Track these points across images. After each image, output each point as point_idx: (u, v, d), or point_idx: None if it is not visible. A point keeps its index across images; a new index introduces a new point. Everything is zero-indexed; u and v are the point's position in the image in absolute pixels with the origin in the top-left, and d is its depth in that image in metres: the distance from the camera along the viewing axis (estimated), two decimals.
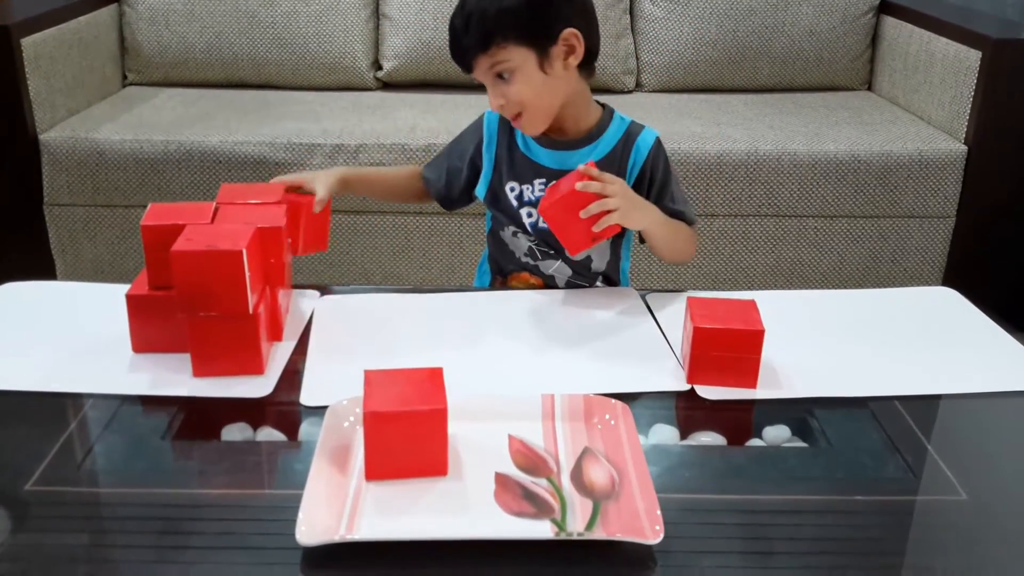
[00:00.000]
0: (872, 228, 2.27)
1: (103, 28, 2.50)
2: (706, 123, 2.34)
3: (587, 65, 1.25)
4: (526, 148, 1.31)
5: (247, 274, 0.98)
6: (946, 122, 2.31)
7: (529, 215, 1.31)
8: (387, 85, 2.65)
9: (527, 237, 1.33)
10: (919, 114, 2.44)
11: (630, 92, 2.67)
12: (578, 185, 1.12)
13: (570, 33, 1.20)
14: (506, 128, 1.33)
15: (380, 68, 2.64)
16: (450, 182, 1.39)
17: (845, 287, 2.24)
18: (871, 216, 2.26)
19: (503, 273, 1.39)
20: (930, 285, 2.23)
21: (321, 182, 1.29)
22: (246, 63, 2.59)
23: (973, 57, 2.20)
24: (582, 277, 1.34)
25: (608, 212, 1.13)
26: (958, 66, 2.26)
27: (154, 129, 2.22)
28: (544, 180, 1.29)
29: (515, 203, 1.31)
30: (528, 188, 1.30)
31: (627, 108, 2.43)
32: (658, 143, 1.30)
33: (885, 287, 1.32)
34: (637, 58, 2.67)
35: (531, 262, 1.35)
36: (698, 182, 2.20)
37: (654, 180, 1.29)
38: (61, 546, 0.80)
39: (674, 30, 2.63)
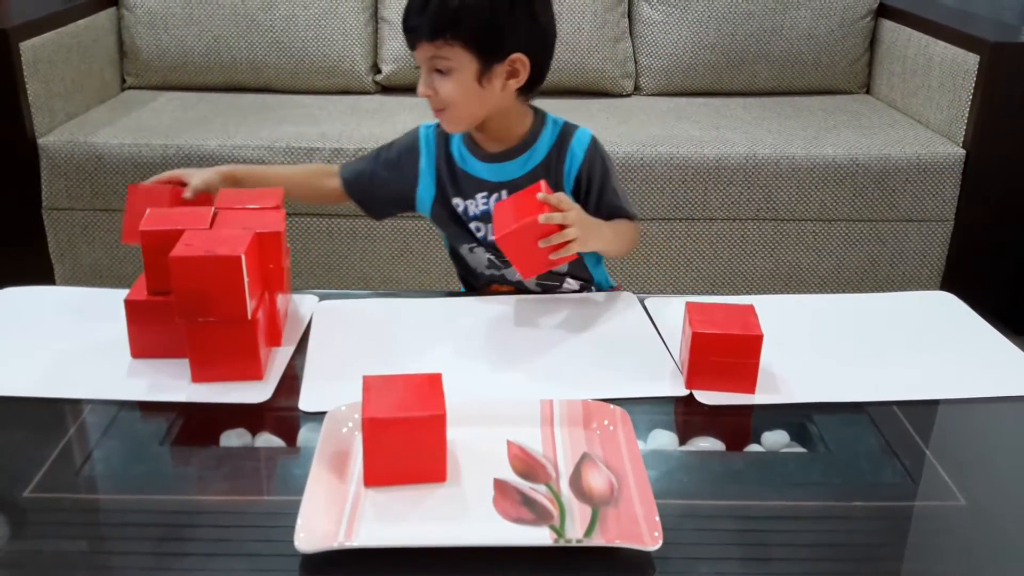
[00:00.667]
0: (870, 232, 2.27)
1: (102, 32, 2.50)
2: (704, 127, 2.35)
3: (527, 89, 1.24)
4: (463, 163, 1.30)
5: (246, 279, 0.98)
6: (944, 126, 2.31)
7: (478, 229, 1.31)
8: (386, 89, 2.66)
9: (483, 250, 1.33)
10: (917, 118, 2.44)
11: (628, 96, 2.67)
12: (541, 218, 1.09)
13: (518, 58, 1.20)
14: (443, 143, 1.32)
15: (379, 72, 2.64)
16: (373, 191, 1.37)
17: (843, 291, 2.25)
18: (869, 220, 2.26)
19: (475, 288, 1.39)
20: (928, 289, 2.21)
21: (198, 175, 1.26)
22: (245, 67, 2.59)
23: (971, 61, 2.20)
24: (550, 278, 1.33)
25: (567, 241, 1.11)
26: (956, 70, 2.26)
27: (153, 133, 2.22)
28: (485, 194, 1.28)
29: (463, 218, 1.31)
30: (472, 203, 1.30)
31: (625, 112, 2.46)
32: (594, 142, 1.29)
33: (883, 291, 1.33)
34: (635, 62, 2.68)
35: (495, 273, 1.34)
36: (696, 186, 2.20)
37: (592, 180, 1.28)
38: (59, 552, 0.80)
39: (672, 33, 2.63)
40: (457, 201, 1.31)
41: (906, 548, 0.84)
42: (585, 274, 1.36)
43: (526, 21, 1.20)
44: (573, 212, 1.13)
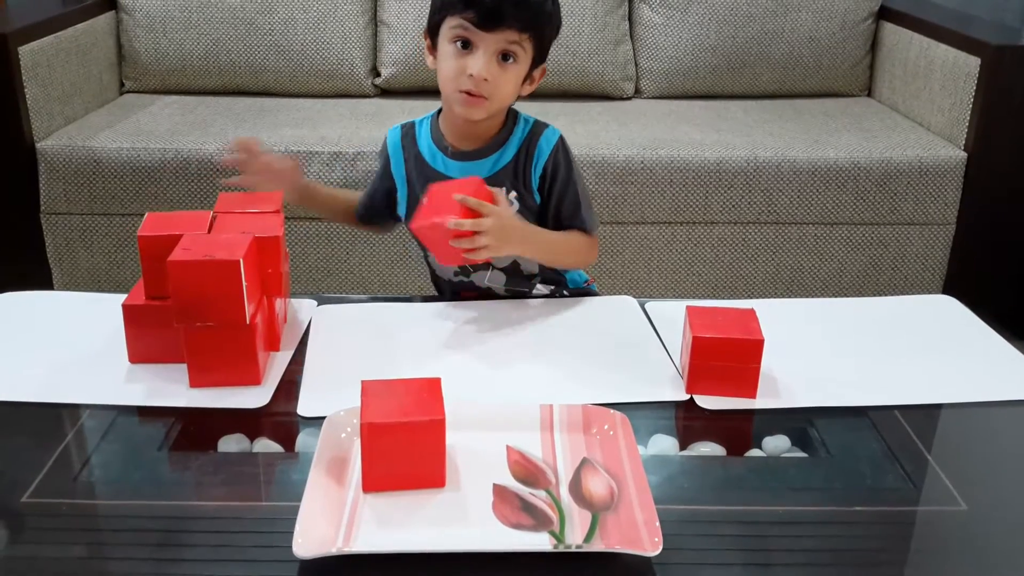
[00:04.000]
0: (872, 235, 2.27)
1: (100, 36, 2.50)
2: (705, 130, 2.34)
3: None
4: (433, 161, 1.30)
5: (244, 284, 0.98)
6: (946, 128, 2.31)
7: None
8: (385, 92, 2.65)
9: None
10: (919, 120, 2.44)
11: (629, 99, 2.67)
12: (450, 224, 1.08)
13: (543, 68, 1.27)
14: (410, 144, 1.32)
15: (378, 75, 2.64)
16: (376, 210, 1.40)
17: (845, 295, 2.25)
18: (871, 223, 2.25)
19: (446, 295, 1.39)
20: (930, 292, 2.23)
21: (287, 168, 1.34)
22: (244, 70, 2.59)
23: (972, 63, 2.20)
24: (519, 282, 1.33)
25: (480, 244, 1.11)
26: (957, 72, 2.26)
27: (151, 137, 2.22)
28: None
29: None
30: None
31: (626, 115, 2.46)
32: (561, 142, 1.29)
33: (885, 294, 1.32)
34: (636, 64, 2.67)
35: (464, 279, 1.34)
36: (697, 189, 2.20)
37: (556, 180, 1.28)
38: (57, 559, 0.79)
39: (673, 36, 2.63)
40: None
41: (908, 553, 0.84)
42: (556, 276, 1.35)
43: (553, 36, 1.26)
44: (489, 220, 1.11)
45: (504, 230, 1.13)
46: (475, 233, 1.09)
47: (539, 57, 1.23)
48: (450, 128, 1.29)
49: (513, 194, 1.27)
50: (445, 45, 1.20)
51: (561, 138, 1.29)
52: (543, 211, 1.30)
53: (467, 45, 1.18)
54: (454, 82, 1.20)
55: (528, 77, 1.24)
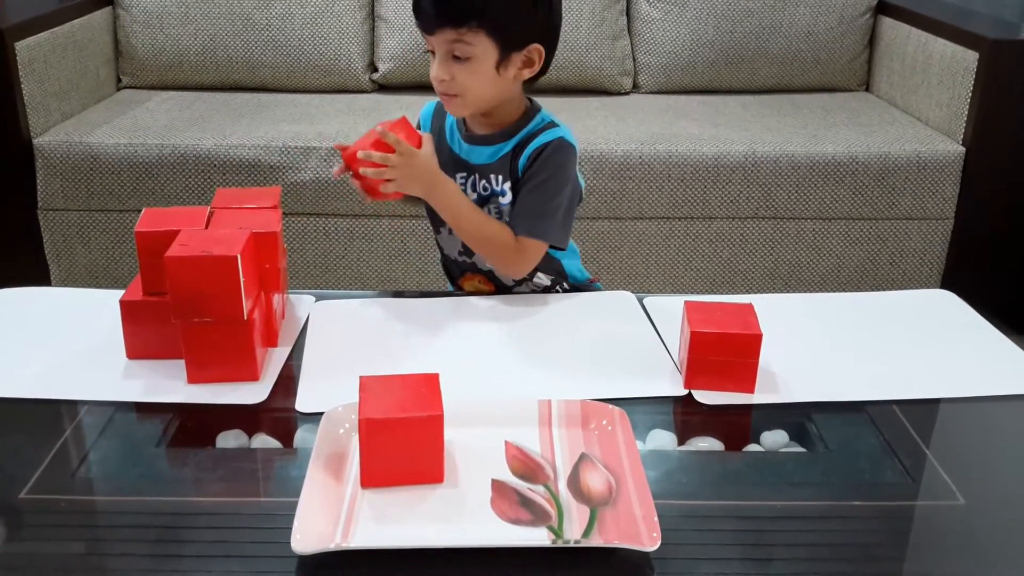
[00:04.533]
0: (870, 230, 2.27)
1: (97, 31, 2.50)
2: (703, 125, 2.34)
3: (533, 79, 1.26)
4: (451, 140, 1.31)
5: (242, 279, 0.98)
6: (944, 123, 2.31)
7: None
8: (383, 87, 2.65)
9: None
10: (917, 115, 2.44)
11: (627, 94, 2.67)
12: (360, 154, 1.16)
13: (535, 48, 1.22)
14: (439, 118, 1.33)
15: (375, 70, 2.64)
16: None
17: (843, 289, 2.25)
18: (869, 218, 2.25)
19: (453, 278, 1.40)
20: (929, 287, 2.23)
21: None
22: (241, 66, 2.59)
23: (971, 58, 2.20)
24: None
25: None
26: (956, 67, 2.25)
27: (148, 133, 2.21)
28: (464, 174, 1.29)
29: None
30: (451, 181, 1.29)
31: (624, 110, 2.46)
32: (556, 146, 1.25)
33: (883, 289, 1.32)
34: (634, 59, 2.67)
35: (467, 259, 1.34)
36: (695, 184, 2.20)
37: (529, 177, 1.25)
38: (56, 555, 0.79)
39: (671, 31, 2.63)
40: None
41: (906, 548, 0.84)
42: (555, 267, 1.35)
43: (545, 11, 1.23)
44: (397, 157, 1.17)
45: (412, 169, 1.19)
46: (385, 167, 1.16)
47: (509, 43, 1.19)
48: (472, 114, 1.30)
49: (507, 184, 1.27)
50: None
51: (558, 144, 1.25)
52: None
53: (432, 51, 1.22)
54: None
55: (504, 62, 1.19)
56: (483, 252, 1.29)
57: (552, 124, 1.28)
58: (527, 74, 1.24)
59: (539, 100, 1.32)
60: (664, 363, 1.09)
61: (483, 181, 1.28)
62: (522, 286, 1.34)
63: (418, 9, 1.20)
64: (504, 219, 1.28)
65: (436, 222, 1.35)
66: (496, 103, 1.26)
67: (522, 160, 1.26)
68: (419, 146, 1.20)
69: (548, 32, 1.24)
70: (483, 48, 1.18)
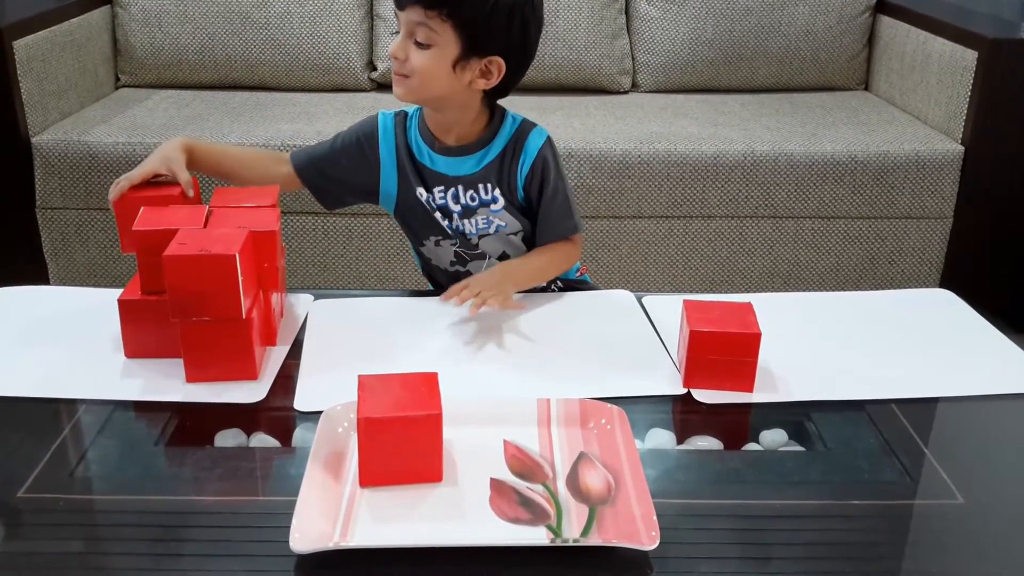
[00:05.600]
0: (869, 229, 2.27)
1: (95, 30, 2.49)
2: (702, 124, 2.34)
3: (492, 94, 1.25)
4: (420, 154, 1.29)
5: (240, 278, 0.98)
6: (943, 122, 2.31)
7: (444, 218, 1.30)
8: (381, 86, 2.65)
9: (450, 242, 1.32)
10: (916, 114, 2.44)
11: (626, 93, 2.66)
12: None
13: (496, 60, 1.19)
14: (401, 132, 1.30)
15: (374, 69, 2.63)
16: (328, 177, 1.34)
17: (842, 288, 2.25)
18: (868, 217, 2.25)
19: (440, 285, 1.38)
20: (928, 286, 2.23)
21: (175, 163, 1.20)
22: (239, 64, 2.58)
23: (970, 57, 2.20)
24: None
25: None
26: (955, 66, 2.25)
27: (147, 131, 2.21)
28: (443, 188, 1.28)
29: (428, 207, 1.30)
30: (430, 196, 1.29)
31: (623, 109, 2.46)
32: (548, 143, 1.28)
33: (882, 288, 1.32)
34: (633, 58, 2.67)
35: (460, 269, 1.34)
36: (694, 183, 2.20)
37: (545, 181, 1.27)
38: (54, 554, 0.79)
39: (670, 30, 2.63)
40: (420, 191, 1.30)
41: (904, 546, 0.84)
42: None
43: (517, 31, 1.19)
44: (473, 282, 1.19)
45: (488, 277, 1.22)
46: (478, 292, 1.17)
47: (472, 44, 1.17)
48: (433, 123, 1.28)
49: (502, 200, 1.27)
50: None
51: (549, 139, 1.28)
52: (528, 208, 1.30)
53: (398, 31, 1.20)
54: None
55: (462, 63, 1.18)
56: (558, 274, 1.34)
57: (527, 123, 1.29)
58: (482, 84, 1.21)
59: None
60: (663, 362, 1.09)
61: (469, 192, 1.28)
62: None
63: None
64: (498, 225, 1.28)
65: (419, 235, 1.34)
66: (442, 103, 1.23)
67: (524, 165, 1.27)
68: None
69: (515, 51, 1.21)
70: (446, 39, 1.16)
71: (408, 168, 1.29)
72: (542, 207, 1.28)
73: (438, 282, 1.40)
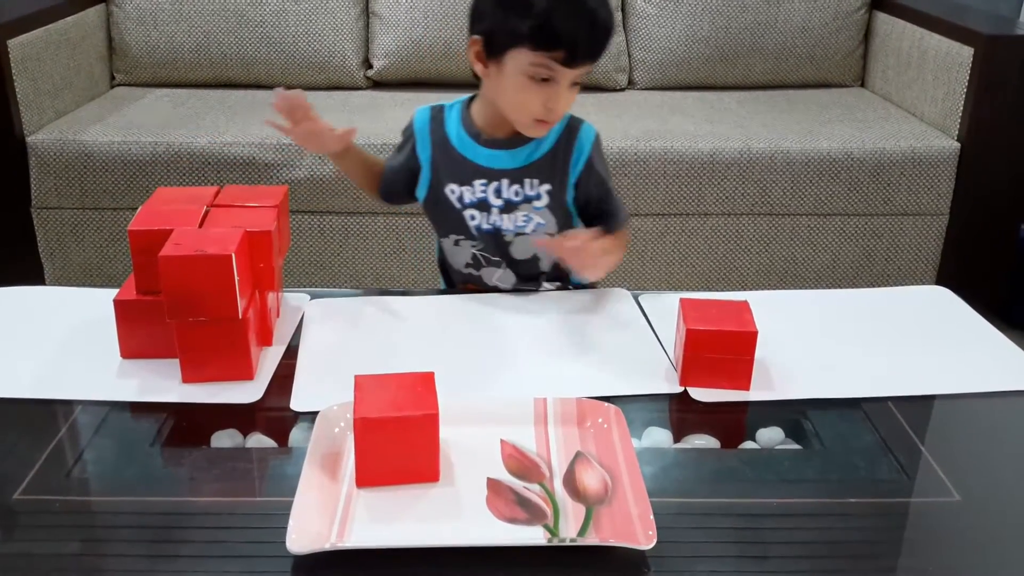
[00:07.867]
0: (865, 226, 2.27)
1: (90, 28, 2.49)
2: (699, 121, 2.34)
3: None
4: (462, 147, 1.28)
5: (236, 278, 0.97)
6: (939, 119, 2.31)
7: (472, 217, 1.29)
8: (377, 84, 2.64)
9: (471, 243, 1.32)
10: (912, 111, 2.44)
11: (622, 90, 2.66)
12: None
13: None
14: (438, 127, 1.30)
15: (370, 67, 2.63)
16: (391, 177, 1.37)
17: (839, 285, 2.25)
18: (864, 214, 2.25)
19: (451, 282, 1.39)
20: (924, 283, 2.23)
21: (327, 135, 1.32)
22: (235, 63, 2.58)
23: (966, 53, 2.20)
24: (528, 283, 1.33)
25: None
26: (951, 63, 2.26)
27: (142, 130, 2.21)
28: (484, 181, 1.27)
29: (457, 205, 1.29)
30: (468, 189, 1.28)
31: (619, 106, 2.46)
32: (598, 139, 1.30)
33: (879, 285, 1.32)
34: (629, 55, 2.67)
35: (473, 272, 1.34)
36: (691, 180, 2.20)
37: (601, 178, 1.29)
38: (50, 555, 0.79)
39: (666, 27, 2.63)
40: (453, 187, 1.29)
41: (901, 544, 0.84)
42: (560, 274, 1.35)
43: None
44: (589, 251, 1.16)
45: (603, 266, 1.20)
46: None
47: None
48: (486, 118, 1.28)
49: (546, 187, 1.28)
50: (518, 76, 1.17)
51: (597, 135, 1.30)
52: (574, 202, 1.30)
53: (545, 78, 1.18)
54: (528, 111, 1.20)
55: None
56: None
57: (574, 117, 1.30)
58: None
59: None
60: (660, 360, 1.09)
61: (514, 186, 1.27)
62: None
63: (568, 42, 1.14)
64: (537, 223, 1.28)
65: (446, 229, 1.33)
66: None
67: (578, 161, 1.27)
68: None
69: None
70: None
71: (441, 162, 1.29)
72: (594, 202, 1.30)
73: (449, 277, 1.40)
